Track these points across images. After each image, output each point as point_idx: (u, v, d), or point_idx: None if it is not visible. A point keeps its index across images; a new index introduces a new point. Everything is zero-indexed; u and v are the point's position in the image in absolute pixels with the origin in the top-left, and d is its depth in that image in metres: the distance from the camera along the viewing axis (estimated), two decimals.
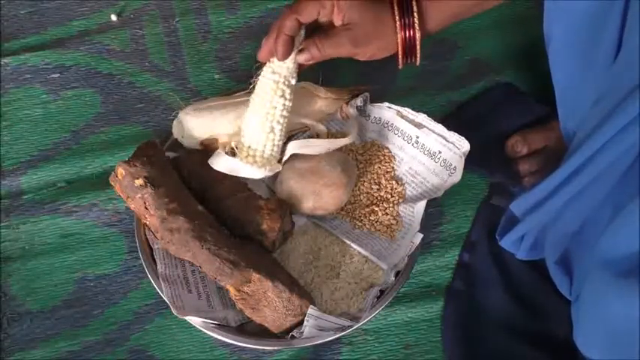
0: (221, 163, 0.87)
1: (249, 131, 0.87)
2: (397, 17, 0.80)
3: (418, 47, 0.81)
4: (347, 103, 0.96)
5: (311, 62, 0.84)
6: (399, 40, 0.81)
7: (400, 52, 0.82)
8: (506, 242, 0.86)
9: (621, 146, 0.68)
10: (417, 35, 0.80)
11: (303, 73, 0.88)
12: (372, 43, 0.83)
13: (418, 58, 0.83)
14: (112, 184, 0.83)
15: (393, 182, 0.94)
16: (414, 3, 0.80)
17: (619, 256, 0.65)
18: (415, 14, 0.80)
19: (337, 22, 0.83)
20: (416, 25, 0.80)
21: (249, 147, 0.87)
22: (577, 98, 0.81)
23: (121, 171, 0.82)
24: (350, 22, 0.82)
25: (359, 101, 0.95)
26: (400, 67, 0.84)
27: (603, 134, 0.69)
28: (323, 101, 0.95)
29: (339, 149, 0.93)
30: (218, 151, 0.88)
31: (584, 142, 0.72)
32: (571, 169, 0.73)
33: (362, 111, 0.96)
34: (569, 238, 0.79)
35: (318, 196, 0.88)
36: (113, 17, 1.10)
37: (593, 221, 0.75)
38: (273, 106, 0.86)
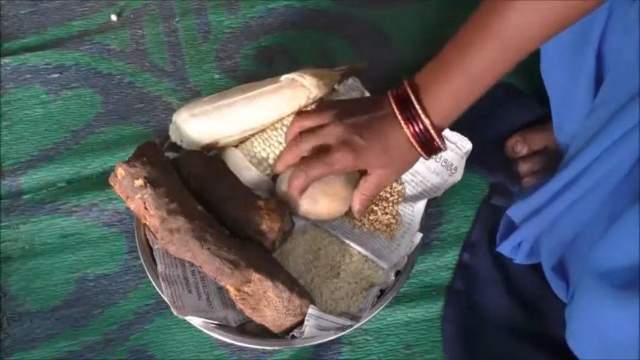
0: (233, 161, 0.90)
1: (275, 148, 0.91)
2: (400, 119, 0.78)
3: (435, 137, 0.78)
4: (339, 84, 0.95)
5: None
6: (412, 139, 0.79)
7: (419, 149, 0.80)
8: (504, 248, 0.86)
9: (619, 154, 0.69)
10: (428, 126, 0.77)
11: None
12: (405, 165, 0.84)
13: (442, 147, 0.80)
14: (112, 184, 0.83)
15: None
16: (411, 96, 0.78)
17: (616, 267, 0.64)
18: (415, 103, 0.77)
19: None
20: (421, 115, 0.77)
21: (268, 157, 0.90)
22: (568, 112, 0.82)
23: (120, 171, 0.82)
24: (372, 168, 0.83)
25: (350, 81, 0.95)
26: (428, 159, 0.83)
27: (600, 143, 0.69)
28: (305, 89, 0.92)
29: None
30: (233, 149, 0.90)
31: (582, 151, 0.72)
32: (568, 178, 0.74)
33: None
34: (566, 246, 0.79)
35: (314, 201, 0.87)
36: (113, 17, 1.11)
37: (588, 230, 0.75)
38: None
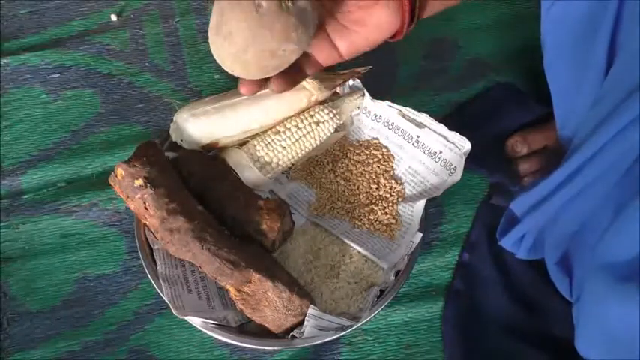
0: (236, 160, 0.90)
1: (278, 153, 0.91)
2: None
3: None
4: (340, 87, 0.95)
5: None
6: None
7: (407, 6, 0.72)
8: (506, 242, 0.86)
9: (622, 146, 0.68)
10: None
11: None
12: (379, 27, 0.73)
13: (415, 17, 0.73)
14: (112, 184, 0.83)
15: (392, 181, 0.94)
16: None
17: (619, 260, 0.64)
18: None
19: None
20: None
21: (271, 162, 0.91)
22: (573, 107, 0.81)
23: (120, 171, 0.82)
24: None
25: (351, 83, 0.95)
26: (402, 35, 0.73)
27: (603, 135, 0.69)
28: (307, 92, 0.93)
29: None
30: (237, 149, 0.90)
31: (584, 143, 0.72)
32: (571, 170, 0.73)
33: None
34: (569, 239, 0.79)
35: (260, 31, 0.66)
36: (113, 17, 1.11)
37: (593, 222, 0.75)
38: (312, 147, 0.93)
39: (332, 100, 0.94)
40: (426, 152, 0.94)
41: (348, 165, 0.95)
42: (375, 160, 0.95)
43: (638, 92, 0.66)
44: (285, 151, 0.91)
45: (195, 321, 0.84)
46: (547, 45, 0.83)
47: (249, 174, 0.90)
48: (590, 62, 0.77)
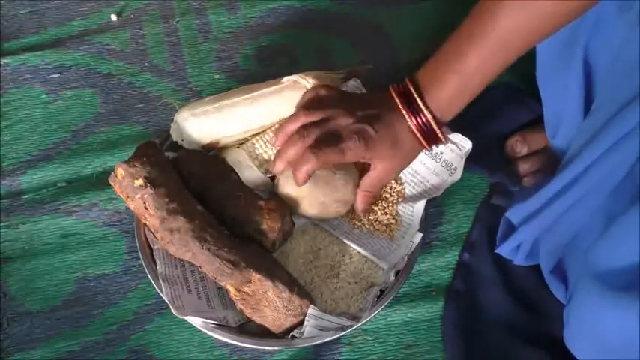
0: (235, 159, 0.90)
1: (272, 153, 0.90)
2: (404, 112, 0.82)
3: (437, 130, 0.82)
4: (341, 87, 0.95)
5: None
6: (416, 131, 0.82)
7: (423, 141, 0.84)
8: (503, 250, 0.86)
9: (618, 156, 0.69)
10: (430, 119, 0.81)
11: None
12: (408, 159, 0.87)
13: (443, 140, 0.84)
14: (112, 184, 0.83)
15: (392, 181, 0.94)
16: (413, 93, 0.81)
17: (615, 268, 0.64)
18: (417, 99, 0.81)
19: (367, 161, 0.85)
20: (423, 109, 0.81)
21: (270, 160, 0.90)
22: (560, 115, 0.82)
23: (120, 171, 0.82)
24: (378, 161, 0.84)
25: (351, 83, 0.95)
26: (430, 151, 0.88)
27: (600, 144, 0.69)
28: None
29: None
30: (236, 149, 0.91)
31: (580, 153, 0.72)
32: (567, 180, 0.74)
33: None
34: (564, 248, 0.79)
35: (324, 207, 0.88)
36: (113, 17, 1.11)
37: (586, 231, 0.75)
38: None
39: None
40: (427, 152, 0.93)
41: None
42: None
43: (637, 102, 0.67)
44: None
45: (195, 321, 0.84)
46: (538, 56, 0.83)
47: (248, 173, 0.90)
48: (572, 69, 0.78)
